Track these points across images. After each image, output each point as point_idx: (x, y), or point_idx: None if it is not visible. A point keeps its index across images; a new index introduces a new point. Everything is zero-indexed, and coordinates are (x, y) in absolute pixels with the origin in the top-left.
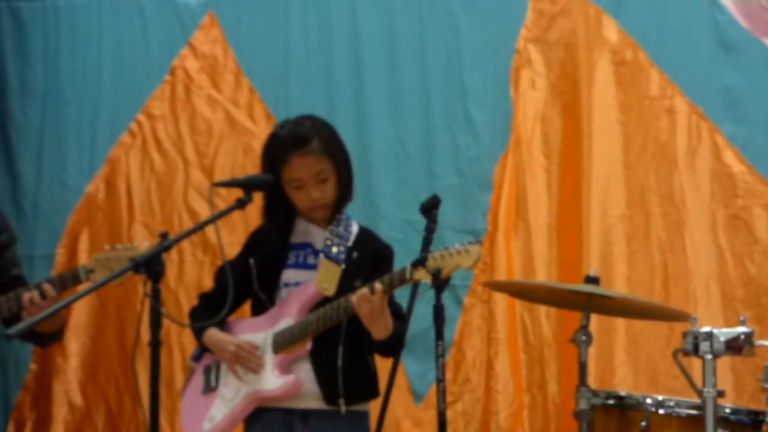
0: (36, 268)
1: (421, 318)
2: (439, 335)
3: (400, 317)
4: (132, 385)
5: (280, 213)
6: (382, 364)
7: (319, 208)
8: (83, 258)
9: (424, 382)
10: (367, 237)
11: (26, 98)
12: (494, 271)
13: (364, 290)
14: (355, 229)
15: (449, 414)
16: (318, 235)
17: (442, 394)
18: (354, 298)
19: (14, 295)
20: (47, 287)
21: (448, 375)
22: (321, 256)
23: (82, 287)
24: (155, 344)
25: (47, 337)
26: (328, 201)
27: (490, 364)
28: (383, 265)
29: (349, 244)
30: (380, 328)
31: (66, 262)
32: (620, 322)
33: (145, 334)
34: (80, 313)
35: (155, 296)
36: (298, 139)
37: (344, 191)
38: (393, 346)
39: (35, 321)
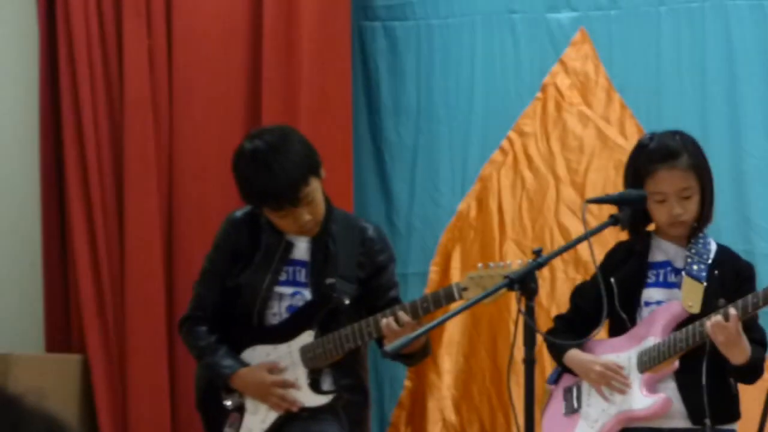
0: (409, 285)
1: None
2: None
3: (761, 343)
4: (506, 402)
5: (641, 227)
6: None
7: (678, 225)
8: (455, 276)
9: None
10: (727, 255)
11: (399, 117)
12: None
13: (718, 317)
14: (713, 247)
15: None
16: (677, 253)
17: None
18: (708, 324)
19: (373, 320)
20: (401, 314)
21: None
22: (683, 273)
23: (454, 305)
24: (529, 361)
25: (411, 356)
26: (688, 218)
27: None
28: (745, 285)
29: (709, 261)
30: (736, 353)
31: (439, 279)
32: None
33: (519, 352)
34: (454, 331)
35: (529, 313)
36: (668, 153)
37: (706, 211)
38: (748, 373)
39: (411, 339)
